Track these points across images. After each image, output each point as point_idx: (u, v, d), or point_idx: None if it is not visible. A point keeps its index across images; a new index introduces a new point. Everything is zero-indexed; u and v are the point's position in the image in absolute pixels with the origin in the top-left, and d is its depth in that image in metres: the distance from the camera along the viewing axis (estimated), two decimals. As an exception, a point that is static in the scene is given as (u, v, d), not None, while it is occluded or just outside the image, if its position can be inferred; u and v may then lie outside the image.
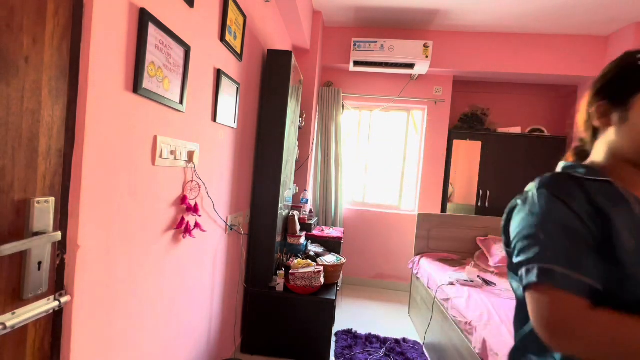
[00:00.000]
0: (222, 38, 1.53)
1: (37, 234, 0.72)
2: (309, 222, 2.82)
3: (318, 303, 2.07)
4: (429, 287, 2.43)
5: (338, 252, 2.82)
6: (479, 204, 3.49)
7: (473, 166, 3.53)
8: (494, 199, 3.48)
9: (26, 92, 0.68)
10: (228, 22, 1.55)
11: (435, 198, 3.59)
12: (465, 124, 3.64)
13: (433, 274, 2.44)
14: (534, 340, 0.60)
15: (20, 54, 0.66)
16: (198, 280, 1.53)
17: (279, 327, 2.10)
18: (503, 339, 1.49)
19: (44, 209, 0.73)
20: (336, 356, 2.18)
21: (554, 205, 0.59)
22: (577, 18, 2.90)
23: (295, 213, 2.60)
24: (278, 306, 2.10)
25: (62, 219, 0.79)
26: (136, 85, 0.96)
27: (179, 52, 1.18)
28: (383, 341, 2.39)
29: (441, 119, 3.58)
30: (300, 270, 2.12)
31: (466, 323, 1.74)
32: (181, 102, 1.21)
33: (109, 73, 0.87)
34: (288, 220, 2.51)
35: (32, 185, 0.71)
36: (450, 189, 3.57)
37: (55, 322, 0.80)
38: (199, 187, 1.42)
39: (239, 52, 1.72)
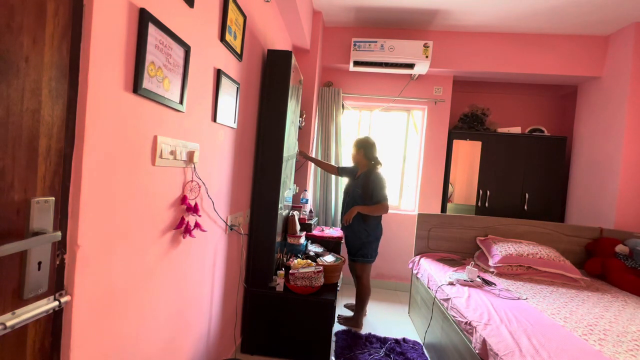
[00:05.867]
0: (222, 38, 1.53)
1: (37, 234, 0.72)
2: (309, 222, 2.82)
3: (318, 303, 2.07)
4: (429, 287, 2.43)
5: (338, 252, 2.82)
6: (479, 204, 3.49)
7: (473, 166, 3.53)
8: (494, 199, 3.48)
9: (26, 92, 0.68)
10: (228, 22, 1.55)
11: (435, 198, 3.59)
12: (465, 124, 3.64)
13: (433, 274, 2.44)
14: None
15: (20, 54, 0.66)
16: (198, 280, 1.53)
17: (279, 327, 2.10)
18: (503, 339, 1.49)
19: (44, 209, 0.73)
20: (336, 356, 2.18)
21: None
22: (577, 18, 2.90)
23: (295, 213, 2.60)
24: (278, 306, 2.10)
25: (62, 219, 0.79)
26: (136, 85, 0.96)
27: (179, 52, 1.18)
28: (383, 341, 2.39)
29: (441, 119, 3.58)
30: (300, 270, 2.11)
31: (466, 323, 1.74)
32: (181, 102, 1.21)
33: (109, 73, 0.87)
34: (288, 220, 2.51)
35: (32, 185, 0.71)
36: (450, 189, 3.57)
37: (55, 322, 0.80)
38: (199, 187, 1.42)
39: (239, 52, 1.72)
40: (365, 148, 2.56)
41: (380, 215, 2.53)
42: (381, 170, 2.56)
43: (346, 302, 3.06)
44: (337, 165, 2.72)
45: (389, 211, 3.58)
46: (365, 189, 2.47)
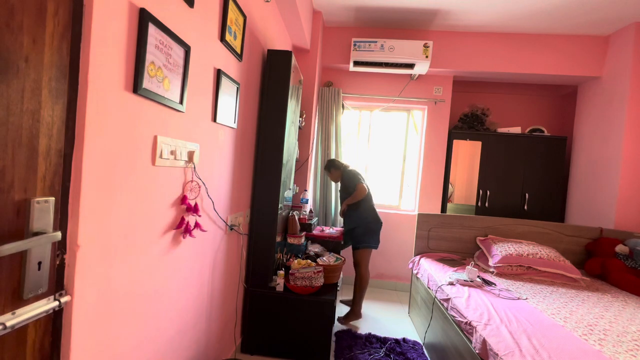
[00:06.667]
0: (222, 38, 1.53)
1: (37, 234, 0.72)
2: (309, 222, 2.82)
3: (318, 303, 2.07)
4: (429, 287, 2.43)
5: (338, 252, 2.81)
6: (479, 204, 3.49)
7: (473, 166, 3.53)
8: (494, 199, 3.48)
9: (26, 92, 0.68)
10: (228, 22, 1.55)
11: (435, 198, 3.59)
12: (465, 124, 3.64)
13: (433, 274, 2.44)
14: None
15: (20, 54, 0.66)
16: (198, 280, 1.53)
17: (279, 327, 2.10)
18: (503, 339, 1.49)
19: (44, 209, 0.73)
20: (336, 356, 2.18)
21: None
22: (577, 18, 2.90)
23: (295, 213, 2.60)
24: (278, 306, 2.10)
25: (62, 219, 0.79)
26: (136, 85, 0.96)
27: (179, 52, 1.18)
28: (383, 341, 2.39)
29: (441, 119, 3.58)
30: (300, 270, 2.11)
31: (466, 323, 1.74)
32: (181, 102, 1.21)
33: (109, 73, 0.87)
34: (288, 220, 2.51)
35: (32, 185, 0.71)
36: (450, 189, 3.57)
37: (55, 322, 0.80)
38: (199, 187, 1.42)
39: (239, 52, 1.72)
40: (331, 167, 2.93)
41: (362, 199, 2.71)
42: (349, 168, 2.89)
43: (342, 299, 3.08)
44: (346, 191, 2.82)
45: (391, 211, 3.65)
46: (344, 188, 2.83)
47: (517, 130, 3.52)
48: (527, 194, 3.45)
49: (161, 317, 1.23)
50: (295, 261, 2.27)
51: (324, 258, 2.45)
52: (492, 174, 3.50)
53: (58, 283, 0.79)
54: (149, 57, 1.00)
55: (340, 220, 3.55)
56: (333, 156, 3.50)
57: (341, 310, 2.91)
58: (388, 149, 3.86)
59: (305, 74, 3.12)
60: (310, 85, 3.16)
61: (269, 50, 2.15)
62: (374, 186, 3.78)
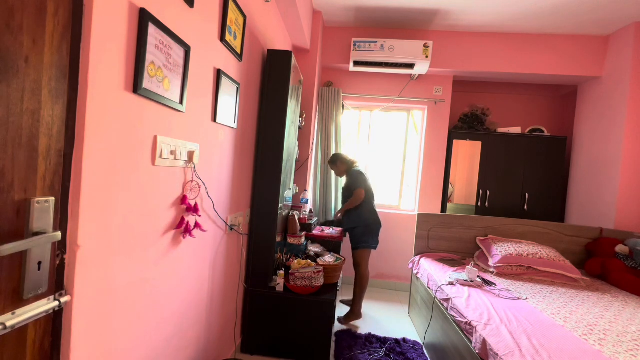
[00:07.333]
0: (222, 38, 1.53)
1: (37, 234, 0.72)
2: (309, 222, 2.82)
3: (318, 303, 2.07)
4: (429, 287, 2.43)
5: (338, 252, 2.82)
6: (479, 204, 3.49)
7: (473, 166, 3.53)
8: (494, 199, 3.48)
9: (26, 92, 0.68)
10: (228, 22, 1.55)
11: (435, 198, 3.59)
12: (465, 124, 3.64)
13: (433, 274, 2.44)
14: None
15: (20, 54, 0.66)
16: (198, 280, 1.53)
17: (279, 327, 2.10)
18: (503, 338, 1.49)
19: (44, 209, 0.73)
20: (336, 356, 2.18)
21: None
22: (577, 18, 2.90)
23: (295, 213, 2.60)
24: (278, 306, 2.10)
25: (62, 219, 0.79)
26: (136, 85, 0.96)
27: (179, 52, 1.18)
28: (383, 341, 2.39)
29: (441, 119, 3.58)
30: (300, 270, 2.11)
31: (466, 323, 1.74)
32: (181, 102, 1.21)
33: (109, 73, 0.87)
34: (288, 220, 2.51)
35: (32, 185, 0.71)
36: (450, 189, 3.57)
37: (55, 322, 0.80)
38: (199, 187, 1.42)
39: (239, 52, 1.72)
40: (337, 161, 2.91)
41: (359, 203, 2.73)
42: (357, 167, 2.89)
43: (342, 299, 3.09)
44: (348, 190, 2.81)
45: (391, 211, 3.65)
46: (347, 188, 2.85)
47: (517, 130, 3.52)
48: (527, 194, 3.45)
49: (161, 317, 1.23)
50: (295, 261, 2.27)
51: (324, 258, 2.45)
52: (492, 174, 3.50)
53: (58, 283, 0.79)
54: (149, 57, 1.00)
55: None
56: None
57: (341, 310, 2.91)
58: (388, 149, 3.86)
59: (305, 74, 3.12)
60: (310, 85, 3.16)
61: (269, 50, 2.15)
62: (374, 186, 3.78)
